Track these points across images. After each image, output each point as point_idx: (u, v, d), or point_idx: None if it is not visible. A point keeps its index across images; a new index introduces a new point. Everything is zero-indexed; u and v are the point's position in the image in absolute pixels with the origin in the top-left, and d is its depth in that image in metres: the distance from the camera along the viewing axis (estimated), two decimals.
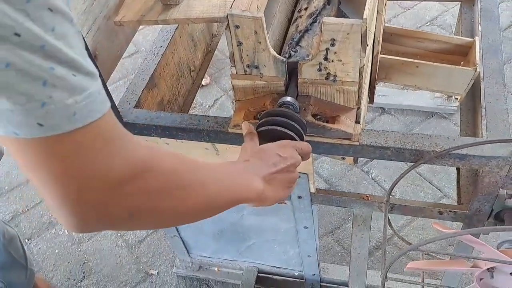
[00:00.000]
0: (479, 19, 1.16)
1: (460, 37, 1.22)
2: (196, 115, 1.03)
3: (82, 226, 0.48)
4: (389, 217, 0.95)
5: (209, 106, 2.26)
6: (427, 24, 2.39)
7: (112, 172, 0.46)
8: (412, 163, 0.88)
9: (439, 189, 1.76)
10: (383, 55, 1.17)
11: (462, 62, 1.23)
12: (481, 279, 0.88)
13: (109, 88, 0.54)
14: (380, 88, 2.07)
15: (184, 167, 0.57)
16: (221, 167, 0.68)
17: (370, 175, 1.85)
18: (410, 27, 2.44)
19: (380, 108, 2.08)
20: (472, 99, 1.16)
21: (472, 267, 0.88)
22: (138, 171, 0.49)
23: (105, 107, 0.46)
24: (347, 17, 1.18)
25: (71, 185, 0.45)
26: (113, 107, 0.97)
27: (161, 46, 1.26)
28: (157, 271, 1.68)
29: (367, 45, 0.82)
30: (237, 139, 0.96)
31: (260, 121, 0.82)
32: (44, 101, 0.41)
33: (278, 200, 0.74)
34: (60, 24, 0.42)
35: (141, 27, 2.60)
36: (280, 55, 0.92)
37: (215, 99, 2.28)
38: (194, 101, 2.40)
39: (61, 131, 0.42)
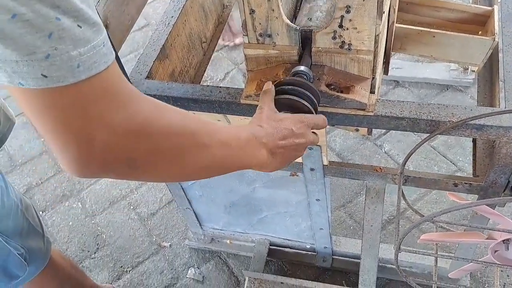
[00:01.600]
0: None
1: (478, 6, 1.19)
2: (208, 85, 1.01)
3: (83, 170, 0.49)
4: (403, 189, 0.94)
5: (220, 80, 2.24)
6: None
7: (114, 123, 0.48)
8: (428, 134, 0.86)
9: (453, 163, 1.74)
10: (399, 25, 1.14)
11: (480, 32, 1.19)
12: (496, 251, 0.88)
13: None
14: (394, 60, 2.03)
15: (189, 129, 0.57)
16: (231, 132, 0.66)
17: (383, 149, 1.83)
18: None
19: (394, 81, 2.05)
20: (490, 70, 1.13)
21: (487, 239, 0.87)
22: (139, 125, 0.50)
23: (109, 59, 0.46)
24: None
25: (75, 133, 0.46)
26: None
27: (172, 17, 1.24)
28: (169, 243, 1.70)
29: (383, 12, 0.80)
30: (250, 110, 0.95)
31: (276, 89, 0.81)
32: (49, 53, 0.41)
33: (276, 170, 0.74)
34: None
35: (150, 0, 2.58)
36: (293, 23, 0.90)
37: (226, 72, 2.27)
38: (205, 75, 2.40)
39: (65, 83, 0.43)
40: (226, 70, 2.28)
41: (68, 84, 0.43)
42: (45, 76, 0.42)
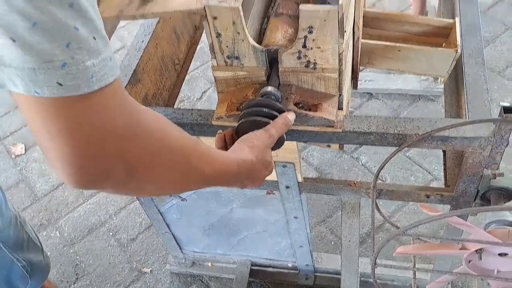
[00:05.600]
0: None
1: (440, 19, 1.22)
2: (180, 108, 1.02)
3: (83, 178, 0.50)
4: (380, 202, 0.95)
5: (197, 99, 2.25)
6: (411, 7, 2.38)
7: (117, 130, 0.49)
8: (396, 147, 0.88)
9: (429, 172, 1.77)
10: (364, 40, 1.16)
11: (444, 44, 1.22)
12: (470, 261, 0.89)
13: None
14: (366, 73, 2.07)
15: (185, 149, 0.61)
16: (222, 164, 0.71)
17: (360, 161, 1.85)
18: (394, 10, 2.44)
19: (368, 93, 2.08)
20: (455, 81, 1.16)
21: (460, 249, 0.88)
22: (141, 131, 0.52)
23: (117, 72, 0.48)
24: (328, 2, 1.18)
25: (81, 141, 0.47)
26: None
27: (143, 41, 1.25)
28: (150, 269, 1.68)
29: (345, 31, 0.82)
30: (222, 130, 0.95)
31: (241, 113, 0.82)
32: (65, 62, 0.43)
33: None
34: None
35: (125, 22, 2.58)
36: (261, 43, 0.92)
37: (202, 92, 2.28)
38: (182, 94, 2.39)
39: (79, 92, 0.44)
40: (202, 89, 2.29)
41: (82, 93, 0.45)
42: (61, 85, 0.43)
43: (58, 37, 0.42)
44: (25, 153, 2.11)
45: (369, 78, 2.06)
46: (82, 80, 0.44)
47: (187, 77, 1.49)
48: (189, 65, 1.50)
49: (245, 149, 0.76)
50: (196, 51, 1.51)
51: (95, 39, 0.44)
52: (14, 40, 0.41)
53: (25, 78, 0.43)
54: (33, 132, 0.49)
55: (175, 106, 1.43)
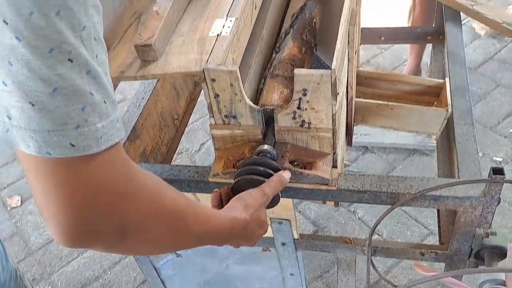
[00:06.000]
0: (447, 61, 1.20)
1: (431, 79, 1.27)
2: (177, 165, 1.04)
3: (77, 238, 0.51)
4: (377, 257, 0.95)
5: (195, 151, 2.27)
6: (404, 64, 2.46)
7: (117, 188, 0.51)
8: (390, 206, 0.89)
9: (425, 227, 1.77)
10: (358, 99, 1.21)
11: (435, 102, 1.26)
12: None
13: None
14: (362, 127, 2.11)
15: (181, 212, 0.62)
16: (217, 225, 0.71)
17: (356, 215, 1.86)
18: (388, 67, 2.52)
19: (363, 147, 2.11)
20: (447, 138, 1.19)
21: None
22: (137, 192, 0.54)
23: (121, 134, 0.51)
24: (324, 63, 1.22)
25: (77, 198, 0.49)
26: None
27: (143, 98, 1.29)
28: None
29: (338, 93, 0.85)
30: (218, 188, 0.97)
31: (238, 171, 0.84)
32: (79, 124, 0.45)
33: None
34: (101, 52, 0.48)
35: None
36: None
37: (201, 144, 2.30)
38: (180, 146, 2.42)
39: (90, 151, 0.47)
40: (201, 141, 2.32)
41: (92, 153, 0.47)
42: (73, 146, 0.46)
43: (75, 102, 0.44)
44: (21, 205, 2.11)
45: (365, 132, 2.09)
46: (92, 140, 0.46)
47: (186, 129, 1.52)
48: (188, 120, 1.53)
49: (238, 207, 0.77)
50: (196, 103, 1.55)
51: (105, 103, 0.47)
52: (33, 105, 0.43)
53: (39, 139, 0.45)
54: (34, 191, 0.50)
55: (173, 159, 1.45)
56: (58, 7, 0.42)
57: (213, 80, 0.88)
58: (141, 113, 1.23)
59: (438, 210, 1.07)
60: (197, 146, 2.29)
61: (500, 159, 1.98)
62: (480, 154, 1.99)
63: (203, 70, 0.87)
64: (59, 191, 0.48)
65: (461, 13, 1.38)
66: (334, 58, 0.82)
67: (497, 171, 0.78)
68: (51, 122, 0.44)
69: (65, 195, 0.48)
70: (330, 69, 0.81)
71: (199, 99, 1.57)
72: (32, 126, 0.44)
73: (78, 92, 0.44)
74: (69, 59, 0.43)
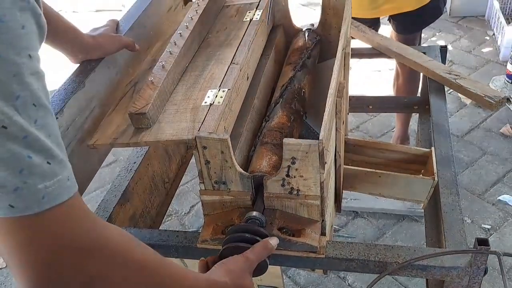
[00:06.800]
0: (433, 131, 1.24)
1: (418, 148, 1.30)
2: (166, 230, 1.04)
3: None
4: None
5: (185, 213, 2.26)
6: (392, 130, 2.52)
7: (72, 245, 0.52)
8: (377, 275, 0.89)
9: None
10: (347, 166, 1.23)
11: (422, 171, 1.29)
12: None
13: (83, 198, 0.60)
14: (352, 192, 2.12)
15: (152, 269, 0.62)
16: (189, 284, 0.69)
17: (346, 281, 1.83)
18: (376, 133, 2.58)
19: (354, 211, 2.11)
20: (435, 206, 1.20)
21: None
22: (99, 246, 0.54)
23: (71, 191, 0.52)
24: (313, 129, 1.26)
25: (36, 256, 0.50)
26: None
27: (135, 162, 1.31)
28: None
29: (326, 162, 0.88)
30: (206, 254, 0.97)
31: (226, 238, 0.85)
32: (18, 186, 0.47)
33: None
34: (42, 117, 0.49)
35: None
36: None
37: (191, 206, 2.30)
38: (170, 208, 2.41)
39: (30, 212, 0.48)
40: (191, 203, 2.31)
41: (33, 213, 0.48)
42: (12, 206, 0.47)
43: (11, 166, 0.47)
44: (6, 266, 2.06)
45: (354, 197, 2.11)
46: (32, 201, 0.48)
47: (176, 191, 1.53)
48: (179, 183, 1.55)
49: (220, 271, 0.76)
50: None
51: (49, 163, 0.49)
52: None
53: None
54: (1, 250, 0.51)
55: (162, 221, 1.45)
56: None
57: (204, 147, 0.90)
58: (132, 177, 1.25)
59: (427, 280, 1.07)
60: (187, 209, 2.29)
61: (489, 227, 1.99)
62: (469, 221, 2.01)
63: (195, 137, 0.89)
64: (21, 249, 0.50)
65: None
66: (322, 129, 0.85)
67: (482, 242, 0.80)
68: None
69: (26, 253, 0.50)
70: (318, 139, 0.84)
71: (190, 161, 1.59)
72: None
73: (14, 156, 0.47)
74: (3, 126, 0.46)
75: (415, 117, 2.59)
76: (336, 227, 2.05)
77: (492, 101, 1.32)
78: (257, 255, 0.81)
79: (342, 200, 1.30)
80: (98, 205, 1.14)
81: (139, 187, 1.29)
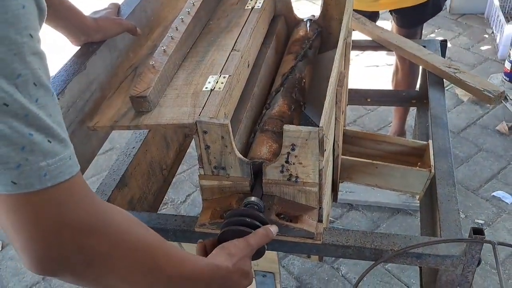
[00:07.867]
0: (431, 124, 1.25)
1: (415, 141, 1.31)
2: (164, 214, 1.04)
3: (44, 267, 0.53)
4: None
5: (181, 202, 2.27)
6: (389, 125, 2.53)
7: (75, 223, 0.53)
8: (373, 262, 0.90)
9: (407, 286, 1.77)
10: (344, 157, 1.24)
11: (419, 163, 1.30)
12: None
13: None
14: (347, 184, 2.13)
15: (152, 251, 0.62)
16: (193, 269, 0.69)
17: (340, 272, 1.85)
18: (373, 127, 2.59)
19: (348, 204, 2.13)
20: (430, 198, 1.22)
21: None
22: (102, 225, 0.55)
23: (74, 171, 0.53)
24: (312, 120, 1.27)
25: (38, 232, 0.51)
26: None
27: (134, 147, 1.31)
28: None
29: (325, 150, 0.88)
30: (204, 238, 0.97)
31: (224, 222, 0.85)
32: (20, 163, 0.48)
33: None
34: (42, 97, 0.50)
35: None
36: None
37: (187, 195, 2.31)
38: (166, 197, 2.42)
39: (32, 189, 0.49)
40: (187, 192, 2.32)
41: (35, 190, 0.49)
42: (15, 183, 0.48)
43: (13, 142, 0.48)
44: (1, 250, 2.07)
45: (350, 190, 2.12)
46: (34, 178, 0.49)
47: (173, 180, 1.54)
48: (176, 171, 1.55)
49: (221, 256, 0.76)
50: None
51: (50, 142, 0.50)
52: None
53: None
54: (3, 225, 0.53)
55: (158, 209, 1.45)
56: None
57: (205, 132, 0.91)
58: (131, 162, 1.25)
59: (421, 269, 1.08)
60: (183, 197, 2.29)
61: (482, 222, 2.01)
62: (463, 216, 2.02)
63: (196, 122, 0.90)
64: (23, 226, 0.51)
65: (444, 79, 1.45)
66: (322, 117, 0.86)
67: (477, 231, 0.81)
68: None
69: (28, 230, 0.51)
70: (318, 126, 0.85)
71: (188, 150, 1.59)
72: None
73: (15, 133, 0.48)
74: (4, 104, 0.47)
75: (411, 112, 2.61)
76: (331, 219, 2.06)
77: (491, 95, 1.33)
78: (258, 241, 0.81)
79: (338, 192, 1.30)
80: (97, 188, 1.14)
81: (137, 172, 1.29)
